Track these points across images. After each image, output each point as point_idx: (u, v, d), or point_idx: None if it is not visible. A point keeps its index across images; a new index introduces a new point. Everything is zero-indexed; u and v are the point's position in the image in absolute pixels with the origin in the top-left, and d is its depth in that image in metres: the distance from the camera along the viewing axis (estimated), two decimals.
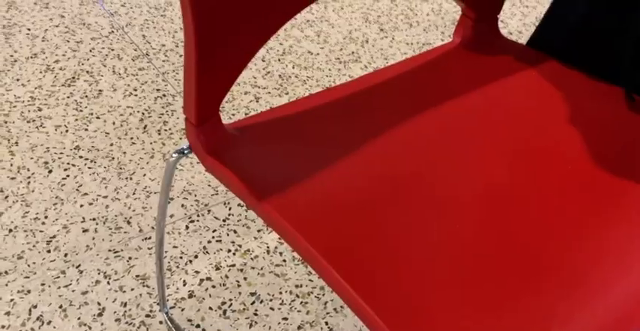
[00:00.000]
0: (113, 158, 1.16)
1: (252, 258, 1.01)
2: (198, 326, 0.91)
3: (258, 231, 1.05)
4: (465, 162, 0.62)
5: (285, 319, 0.92)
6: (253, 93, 1.35)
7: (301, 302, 0.94)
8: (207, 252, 1.01)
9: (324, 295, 0.96)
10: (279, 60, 1.45)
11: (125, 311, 0.91)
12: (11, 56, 1.38)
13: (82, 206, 1.06)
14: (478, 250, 0.53)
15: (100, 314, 0.90)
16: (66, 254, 0.98)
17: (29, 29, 1.48)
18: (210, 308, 0.93)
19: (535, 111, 0.70)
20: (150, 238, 1.02)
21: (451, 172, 0.61)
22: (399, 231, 0.54)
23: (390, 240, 0.53)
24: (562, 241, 0.55)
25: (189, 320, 0.91)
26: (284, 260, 1.01)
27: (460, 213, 0.57)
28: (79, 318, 0.89)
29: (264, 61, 1.44)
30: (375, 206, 0.56)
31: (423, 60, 0.78)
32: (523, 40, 1.61)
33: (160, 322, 0.90)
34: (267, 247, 1.03)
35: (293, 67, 1.43)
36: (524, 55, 0.78)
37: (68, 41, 1.45)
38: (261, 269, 0.99)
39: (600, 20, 0.75)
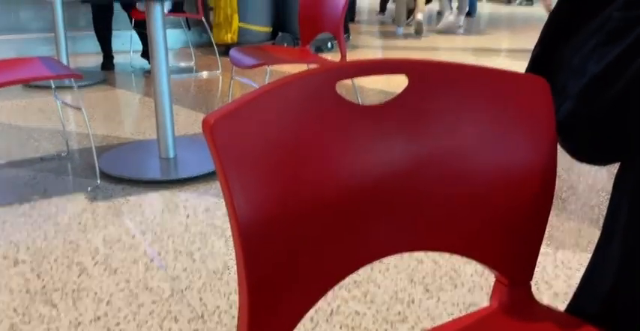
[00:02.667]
0: None
1: None
2: None
3: None
4: None
5: None
6: None
7: None
8: None
9: None
10: (327, 320, 1.49)
11: None
12: (76, 319, 1.47)
13: None
14: None
15: None
16: None
17: (96, 293, 1.59)
18: None
19: None
20: None
21: None
22: None
23: None
24: None
25: None
26: None
27: None
28: None
29: (312, 321, 1.48)
30: None
31: (464, 323, 0.82)
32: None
33: None
34: None
35: (341, 328, 1.46)
36: (560, 322, 0.80)
37: (130, 304, 1.55)
38: None
39: (631, 288, 0.78)
